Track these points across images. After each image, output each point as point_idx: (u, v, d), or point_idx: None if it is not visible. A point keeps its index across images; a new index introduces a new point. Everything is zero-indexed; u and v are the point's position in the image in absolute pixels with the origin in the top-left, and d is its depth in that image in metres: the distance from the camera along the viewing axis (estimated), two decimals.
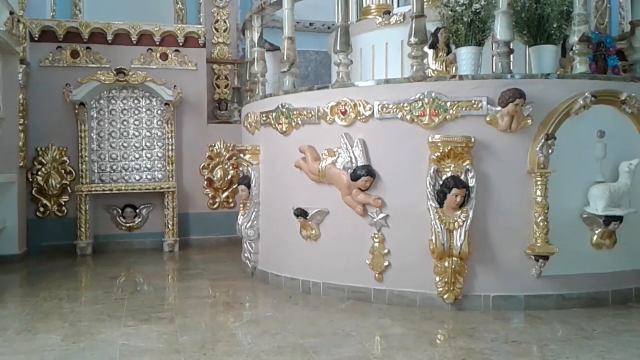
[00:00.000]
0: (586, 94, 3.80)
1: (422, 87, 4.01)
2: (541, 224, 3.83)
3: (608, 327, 3.51)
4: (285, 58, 4.75)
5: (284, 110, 4.60)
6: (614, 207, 3.83)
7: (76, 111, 6.75)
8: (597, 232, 3.95)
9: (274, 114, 4.71)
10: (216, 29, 8.46)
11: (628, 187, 3.88)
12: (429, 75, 4.52)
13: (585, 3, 3.97)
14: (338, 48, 4.36)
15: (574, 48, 4.00)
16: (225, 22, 8.52)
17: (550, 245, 3.82)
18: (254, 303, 4.48)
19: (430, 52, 4.83)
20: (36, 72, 6.80)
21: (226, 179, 7.47)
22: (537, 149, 3.82)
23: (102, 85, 6.73)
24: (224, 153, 7.46)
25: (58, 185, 6.87)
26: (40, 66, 6.84)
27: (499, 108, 3.83)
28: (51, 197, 6.87)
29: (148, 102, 7.11)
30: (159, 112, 7.10)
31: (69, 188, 6.90)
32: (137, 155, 7.10)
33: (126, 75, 6.69)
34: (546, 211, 3.83)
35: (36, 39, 6.83)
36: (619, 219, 3.86)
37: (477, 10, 3.99)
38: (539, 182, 3.84)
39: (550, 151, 3.81)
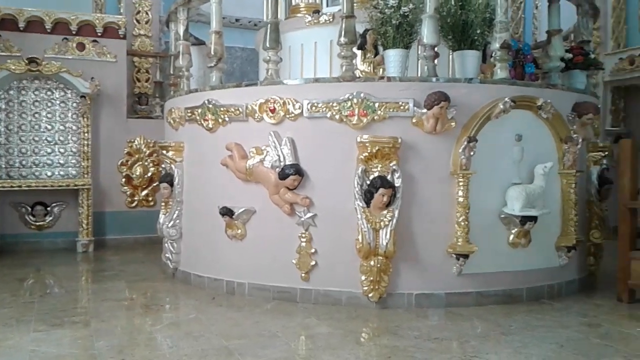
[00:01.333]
0: (506, 99, 3.96)
1: (352, 87, 4.02)
2: (462, 223, 3.95)
3: (523, 322, 3.67)
4: (212, 53, 4.63)
5: (210, 106, 4.48)
6: (529, 208, 4.01)
7: None
8: (513, 231, 4.12)
9: (199, 110, 4.58)
10: (137, 21, 8.15)
11: (542, 189, 4.07)
12: (358, 75, 4.56)
13: (506, 11, 4.14)
14: (267, 45, 4.30)
15: (495, 54, 4.16)
16: (147, 13, 8.22)
17: (470, 244, 3.95)
18: (174, 305, 4.32)
19: (358, 53, 4.88)
20: None
21: (146, 176, 7.19)
22: (460, 151, 3.93)
23: (12, 75, 6.29)
24: (144, 149, 7.18)
25: None
26: None
27: (424, 110, 3.91)
28: None
29: (62, 94, 6.71)
30: (75, 105, 6.72)
31: None
32: (49, 150, 6.68)
33: (39, 65, 6.29)
34: (467, 211, 3.95)
35: None
36: (534, 219, 4.04)
37: (405, 14, 4.05)
38: (460, 183, 3.96)
39: (472, 153, 3.93)
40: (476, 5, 4.17)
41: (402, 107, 3.96)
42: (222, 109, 4.41)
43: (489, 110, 3.98)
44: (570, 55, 4.54)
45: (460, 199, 3.96)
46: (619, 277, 4.18)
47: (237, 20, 9.27)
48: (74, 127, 6.74)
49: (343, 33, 4.09)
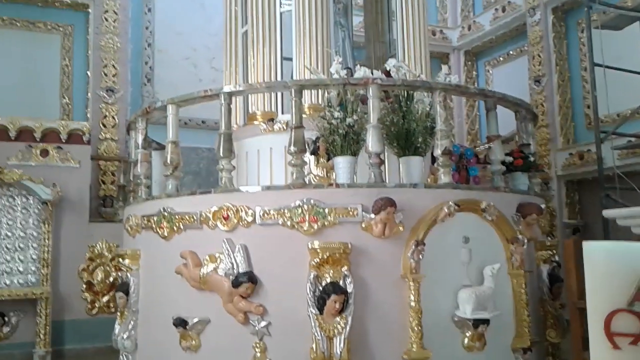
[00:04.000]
0: (450, 202, 4.10)
1: (302, 194, 4.14)
2: (416, 328, 3.94)
3: None
4: (169, 161, 4.75)
5: (166, 214, 4.53)
6: (481, 310, 4.04)
7: None
8: (467, 334, 4.12)
9: (155, 218, 4.62)
10: (104, 125, 8.36)
11: (492, 290, 4.12)
12: (308, 182, 4.70)
13: (446, 120, 4.37)
14: (221, 154, 4.44)
15: (438, 160, 4.34)
16: (114, 118, 8.46)
17: (425, 349, 3.92)
18: None
19: (312, 158, 5.04)
20: None
21: (108, 281, 7.06)
22: (409, 254, 4.01)
23: None
24: (107, 253, 7.10)
25: None
26: None
27: (372, 215, 4.02)
28: None
29: (24, 200, 6.71)
30: (36, 211, 6.72)
31: None
32: (8, 258, 6.58)
33: (0, 174, 6.33)
34: (420, 315, 3.95)
35: None
36: (487, 321, 4.06)
37: (351, 124, 4.26)
38: (411, 287, 3.99)
39: (420, 256, 4.01)
40: (417, 115, 4.41)
41: (351, 213, 4.07)
42: (177, 216, 4.47)
43: (434, 214, 4.11)
44: (511, 159, 4.77)
45: (412, 303, 3.98)
46: None
47: (203, 122, 9.55)
48: (35, 234, 6.69)
49: (293, 142, 4.26)
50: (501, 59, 10.39)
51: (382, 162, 4.25)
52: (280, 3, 5.64)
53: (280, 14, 5.63)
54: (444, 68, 4.71)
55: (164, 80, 9.55)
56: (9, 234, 6.61)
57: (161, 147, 6.75)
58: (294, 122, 4.30)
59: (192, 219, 4.39)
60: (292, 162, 4.27)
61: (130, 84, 9.00)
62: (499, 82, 10.45)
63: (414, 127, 4.41)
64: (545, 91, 8.74)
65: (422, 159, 4.47)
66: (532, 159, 4.86)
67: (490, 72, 10.67)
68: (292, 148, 4.26)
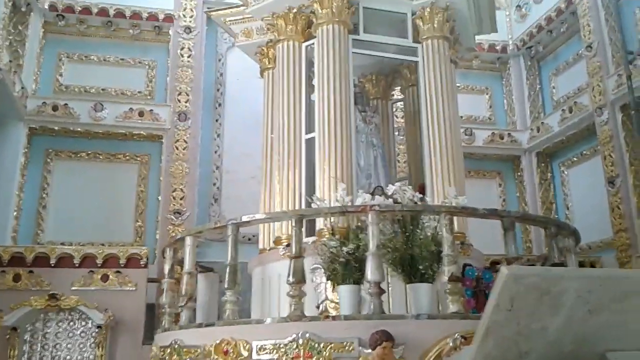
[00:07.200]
0: (456, 335, 3.75)
1: (298, 327, 4.00)
2: None
3: None
4: (183, 292, 4.83)
5: (176, 346, 4.56)
6: None
7: (7, 336, 6.70)
8: None
9: (168, 350, 4.66)
10: None
11: None
12: (324, 309, 4.55)
13: (452, 244, 4.11)
14: (226, 286, 4.46)
15: (445, 287, 4.05)
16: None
17: None
18: None
19: (329, 283, 4.91)
20: None
21: None
22: None
23: (35, 310, 6.78)
24: None
25: None
26: None
27: (369, 350, 3.77)
28: None
29: (83, 324, 7.07)
30: (94, 334, 7.02)
31: None
32: None
33: (58, 300, 6.77)
34: None
35: None
36: None
37: (350, 252, 4.13)
38: None
39: None
40: (421, 240, 4.19)
41: (347, 348, 3.86)
42: (184, 349, 4.48)
43: (438, 347, 3.77)
44: None
45: None
46: None
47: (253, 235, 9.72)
48: (91, 357, 6.95)
49: (292, 273, 4.20)
50: (575, 159, 9.85)
51: (382, 291, 4.04)
52: (306, 131, 5.80)
53: (305, 140, 5.78)
54: (452, 189, 4.51)
55: (231, 199, 9.91)
56: (68, 357, 6.93)
57: (206, 270, 6.93)
58: (294, 252, 4.26)
59: (197, 352, 4.37)
60: (291, 292, 4.18)
61: (197, 204, 9.44)
62: (575, 183, 9.85)
63: (418, 252, 4.18)
64: (621, 192, 8.06)
65: (429, 286, 4.19)
66: None
67: (566, 172, 10.11)
68: (291, 278, 4.19)
